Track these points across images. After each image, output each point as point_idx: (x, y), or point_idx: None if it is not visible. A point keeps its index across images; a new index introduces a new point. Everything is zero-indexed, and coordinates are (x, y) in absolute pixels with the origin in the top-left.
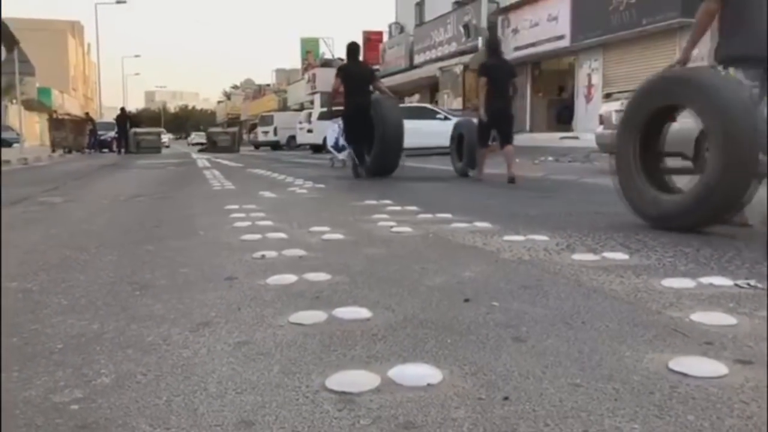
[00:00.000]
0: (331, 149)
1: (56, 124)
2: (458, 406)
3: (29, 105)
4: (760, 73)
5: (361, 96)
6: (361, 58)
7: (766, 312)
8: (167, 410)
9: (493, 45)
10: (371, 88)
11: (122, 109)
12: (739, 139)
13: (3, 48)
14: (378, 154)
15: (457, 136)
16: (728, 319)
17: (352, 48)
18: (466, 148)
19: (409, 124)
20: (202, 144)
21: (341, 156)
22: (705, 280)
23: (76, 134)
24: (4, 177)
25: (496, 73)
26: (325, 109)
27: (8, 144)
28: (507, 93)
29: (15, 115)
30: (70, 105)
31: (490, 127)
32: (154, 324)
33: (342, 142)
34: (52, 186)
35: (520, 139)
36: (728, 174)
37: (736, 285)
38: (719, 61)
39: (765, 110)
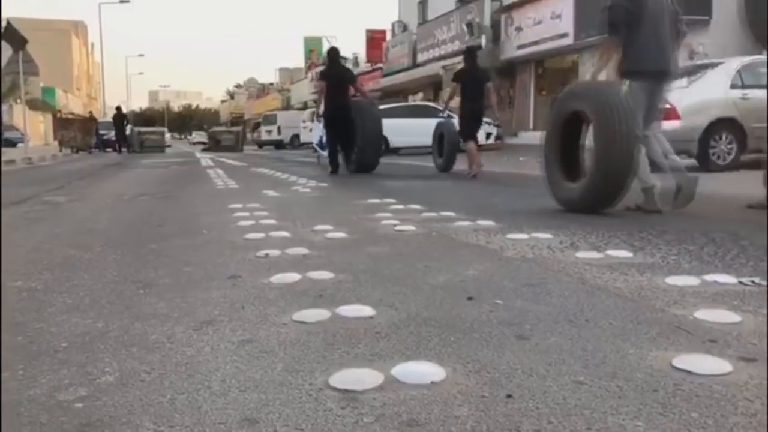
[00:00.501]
0: (317, 147)
1: (64, 123)
2: (461, 404)
3: (33, 105)
4: (649, 84)
5: (341, 97)
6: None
7: (767, 309)
8: (171, 408)
9: (472, 53)
10: (352, 90)
11: (118, 108)
12: (616, 138)
13: (7, 47)
14: (359, 152)
15: (438, 136)
16: (732, 317)
17: (333, 53)
18: (446, 147)
19: (412, 123)
20: (203, 143)
21: (326, 153)
22: (709, 277)
23: (83, 134)
24: (10, 177)
25: (468, 79)
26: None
27: (13, 144)
28: (480, 96)
29: (19, 114)
30: (73, 104)
31: (469, 123)
32: (158, 322)
33: (324, 139)
34: (56, 185)
35: (524, 137)
36: (608, 166)
37: (740, 282)
38: (621, 75)
39: (644, 114)
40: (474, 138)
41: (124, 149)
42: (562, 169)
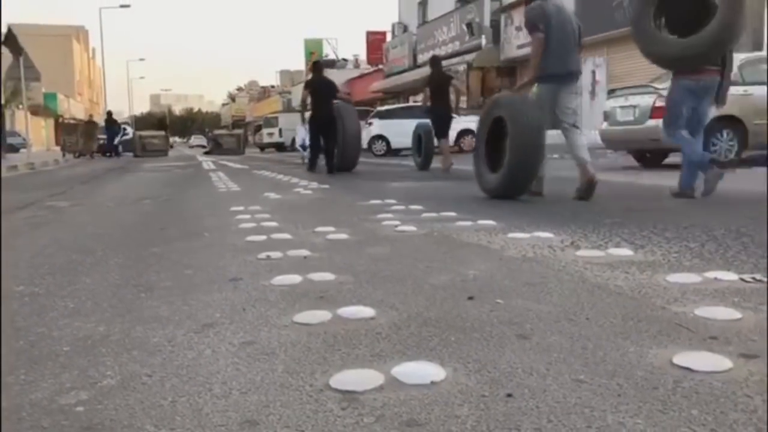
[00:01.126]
0: (300, 148)
1: (66, 128)
2: (462, 404)
3: (35, 110)
4: (555, 85)
5: (325, 105)
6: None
7: (767, 306)
8: (172, 411)
9: (435, 61)
10: (336, 99)
11: (109, 113)
12: (525, 138)
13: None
14: (340, 153)
15: (417, 136)
16: (733, 314)
17: (318, 65)
18: (423, 148)
19: (412, 124)
20: (202, 146)
21: (307, 153)
22: (710, 274)
23: (85, 138)
24: (12, 182)
25: (436, 82)
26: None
27: (15, 149)
28: (447, 97)
29: (21, 120)
30: (75, 109)
31: (438, 123)
32: (159, 326)
33: (307, 142)
34: (58, 190)
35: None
36: (522, 160)
37: (741, 279)
38: (536, 79)
39: (557, 111)
40: (446, 136)
41: (111, 153)
42: (487, 164)
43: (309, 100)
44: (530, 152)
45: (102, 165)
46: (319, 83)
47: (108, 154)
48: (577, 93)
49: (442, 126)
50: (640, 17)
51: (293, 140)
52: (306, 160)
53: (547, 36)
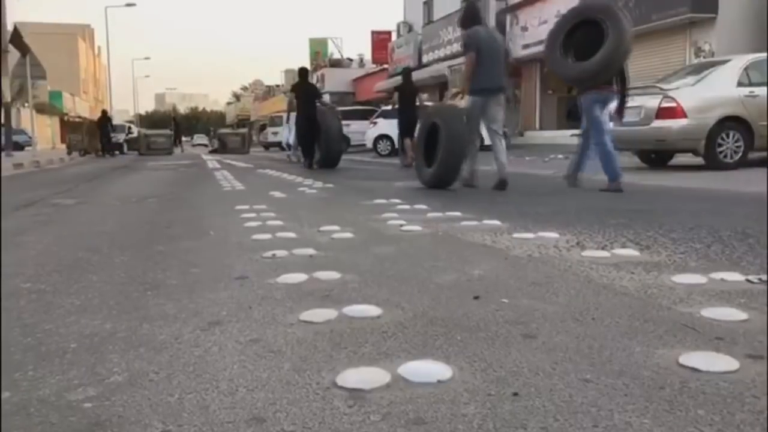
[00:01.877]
0: (286, 146)
1: (73, 126)
2: (468, 402)
3: (41, 108)
4: (484, 98)
5: (309, 108)
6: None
7: (767, 306)
8: (179, 408)
9: (406, 73)
10: (317, 102)
11: (104, 111)
12: (454, 140)
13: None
14: (324, 152)
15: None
16: (739, 315)
17: (303, 71)
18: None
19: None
20: (204, 145)
21: (291, 152)
22: (716, 275)
23: (90, 137)
24: (18, 180)
25: (404, 90)
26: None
27: (20, 147)
28: (414, 104)
29: (27, 118)
30: (80, 108)
31: (404, 125)
32: (165, 323)
33: (292, 141)
34: (64, 188)
35: (530, 137)
36: (449, 157)
37: (747, 280)
38: (468, 92)
39: (484, 118)
40: (410, 136)
41: (103, 152)
42: (424, 161)
43: (294, 102)
44: (456, 152)
45: (107, 163)
46: (303, 87)
47: (101, 153)
48: (502, 105)
49: (409, 127)
50: (552, 47)
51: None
52: (292, 158)
53: (479, 57)
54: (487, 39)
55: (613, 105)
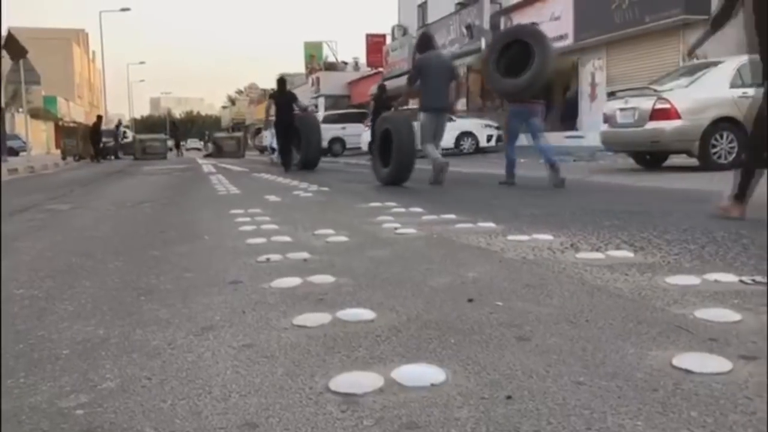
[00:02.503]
0: (270, 150)
1: (67, 131)
2: (461, 406)
3: (35, 113)
4: (433, 114)
5: (287, 114)
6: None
7: (767, 308)
8: (172, 414)
9: (382, 89)
10: (296, 107)
11: (99, 117)
12: (404, 145)
13: (7, 57)
14: (303, 154)
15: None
16: (733, 316)
17: (281, 81)
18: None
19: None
20: (197, 149)
21: (275, 155)
22: (710, 276)
23: (85, 142)
24: (12, 185)
25: (382, 102)
26: (329, 113)
27: (15, 152)
28: (291, 111)
29: (22, 123)
30: (75, 113)
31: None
32: (159, 328)
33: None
34: (59, 193)
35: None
36: (401, 158)
37: (741, 281)
38: (419, 109)
39: (433, 132)
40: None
41: (97, 158)
42: (381, 162)
43: (273, 109)
44: (406, 155)
45: (102, 168)
46: (281, 95)
47: (110, 156)
48: (445, 122)
49: (281, 135)
50: (487, 64)
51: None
52: (274, 160)
53: (429, 79)
54: (436, 64)
55: (538, 117)
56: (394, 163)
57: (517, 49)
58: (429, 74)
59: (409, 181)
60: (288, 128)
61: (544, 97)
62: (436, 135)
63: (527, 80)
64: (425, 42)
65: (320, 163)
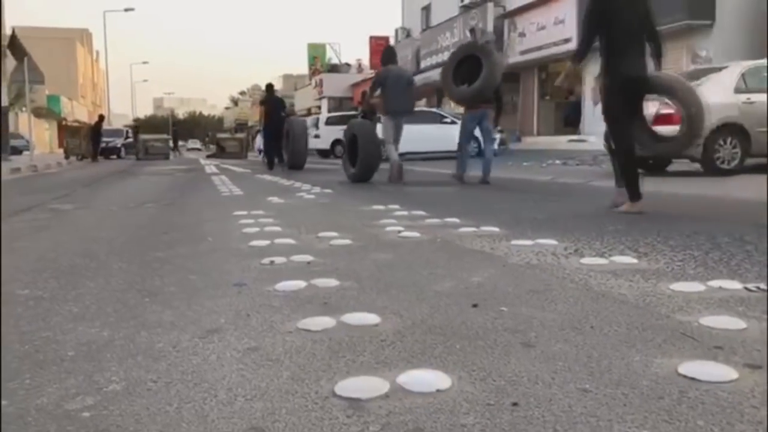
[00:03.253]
0: (258, 152)
1: (71, 131)
2: (467, 412)
3: (39, 113)
4: (394, 118)
5: (276, 118)
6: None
7: (767, 315)
8: (178, 417)
9: (269, 88)
10: (283, 112)
11: (101, 117)
12: (369, 147)
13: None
14: (291, 156)
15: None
16: (738, 323)
17: (269, 87)
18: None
19: (415, 129)
20: (198, 149)
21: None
22: (714, 283)
23: (87, 141)
24: (15, 185)
25: (274, 107)
26: (332, 114)
27: (18, 151)
28: (280, 118)
29: (25, 122)
30: (78, 112)
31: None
32: (163, 331)
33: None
34: (62, 193)
35: (528, 142)
36: (366, 159)
37: (746, 288)
38: (382, 113)
39: (393, 134)
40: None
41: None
42: (350, 162)
43: (263, 113)
44: (371, 156)
45: (105, 168)
46: (271, 100)
47: (113, 156)
48: (402, 124)
49: (273, 139)
50: (446, 75)
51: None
52: (264, 160)
53: (389, 88)
54: (396, 75)
55: (489, 119)
56: (359, 163)
57: (469, 63)
58: (389, 84)
59: (373, 179)
60: (276, 131)
61: (493, 102)
62: (396, 136)
63: (477, 89)
64: (388, 56)
65: (322, 165)
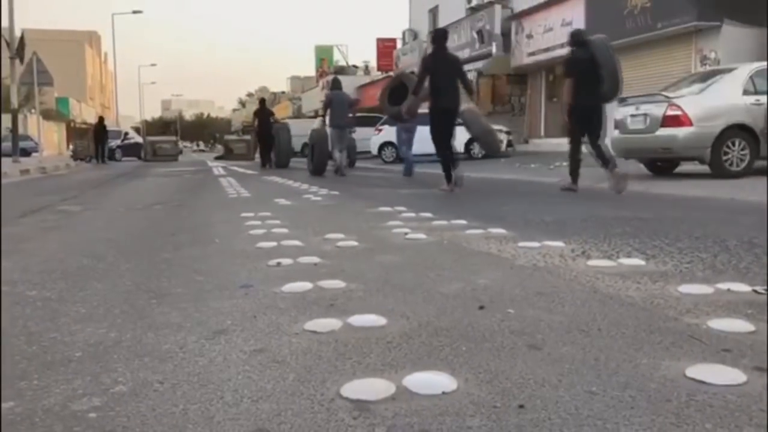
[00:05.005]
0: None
1: (78, 133)
2: (473, 414)
3: (48, 114)
4: (336, 130)
5: (265, 126)
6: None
7: (767, 316)
8: (184, 418)
9: (261, 102)
10: (272, 120)
11: (100, 118)
12: (321, 149)
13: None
14: (277, 156)
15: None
16: (746, 326)
17: (262, 100)
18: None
19: (424, 131)
20: (202, 150)
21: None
22: (722, 286)
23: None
24: (24, 186)
25: (265, 117)
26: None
27: (27, 153)
28: (269, 125)
29: (34, 124)
30: (87, 114)
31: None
32: (170, 332)
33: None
34: (70, 195)
35: (535, 144)
36: (319, 157)
37: (754, 291)
38: (329, 125)
39: (337, 142)
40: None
41: (99, 159)
42: (311, 161)
43: (257, 122)
44: (323, 155)
45: (113, 170)
46: (262, 111)
47: (89, 159)
48: (346, 133)
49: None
50: (383, 99)
51: (303, 146)
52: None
53: (334, 107)
54: (339, 97)
55: (412, 133)
56: (314, 161)
57: (401, 89)
58: (334, 105)
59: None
60: (266, 136)
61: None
62: (341, 143)
63: (399, 110)
64: (335, 84)
65: (301, 164)
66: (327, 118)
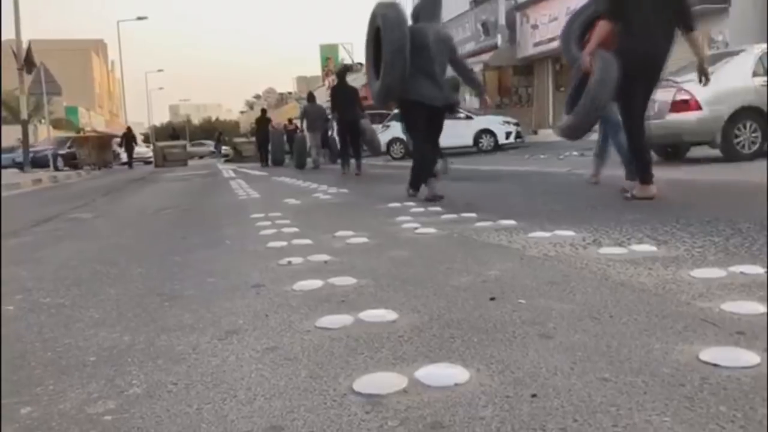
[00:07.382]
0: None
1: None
2: (486, 405)
3: (57, 124)
4: (311, 133)
5: (263, 131)
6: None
7: (766, 299)
8: (198, 418)
9: (262, 111)
10: (270, 126)
11: (128, 128)
12: (300, 150)
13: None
14: (273, 155)
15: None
16: (760, 308)
17: (263, 110)
18: (295, 150)
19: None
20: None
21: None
22: (735, 269)
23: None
24: (37, 195)
25: (264, 123)
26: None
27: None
28: (268, 130)
29: (44, 133)
30: (96, 122)
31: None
32: (183, 334)
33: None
34: (81, 202)
35: (544, 135)
36: (299, 157)
37: None
38: (306, 129)
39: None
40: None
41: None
42: (295, 159)
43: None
44: (302, 155)
45: (123, 177)
46: (261, 119)
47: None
48: (320, 136)
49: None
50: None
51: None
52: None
53: (309, 117)
54: (313, 109)
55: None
56: (295, 159)
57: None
58: (308, 115)
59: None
60: (265, 140)
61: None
62: (317, 144)
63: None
64: (310, 97)
65: (325, 166)
66: (304, 126)
